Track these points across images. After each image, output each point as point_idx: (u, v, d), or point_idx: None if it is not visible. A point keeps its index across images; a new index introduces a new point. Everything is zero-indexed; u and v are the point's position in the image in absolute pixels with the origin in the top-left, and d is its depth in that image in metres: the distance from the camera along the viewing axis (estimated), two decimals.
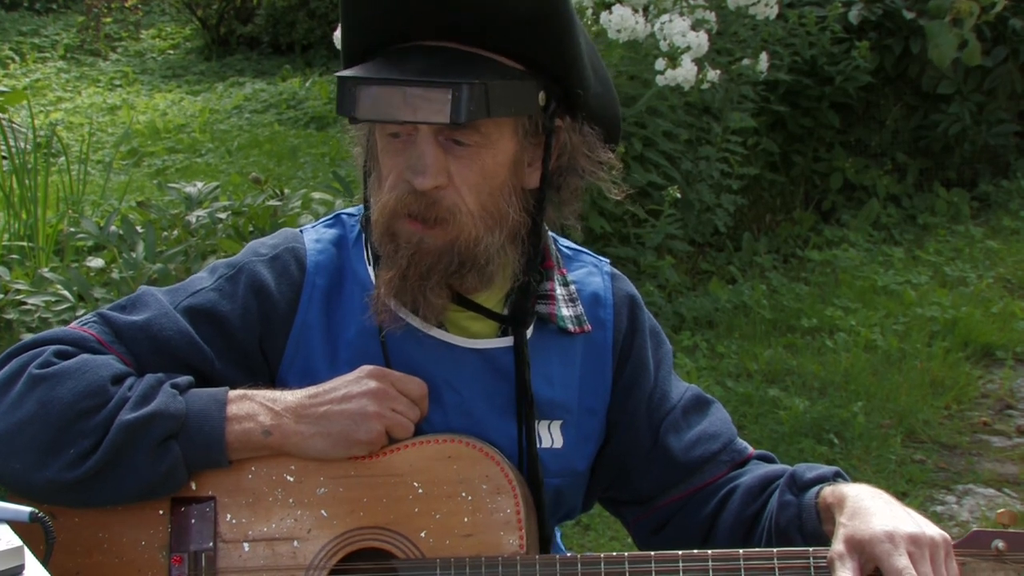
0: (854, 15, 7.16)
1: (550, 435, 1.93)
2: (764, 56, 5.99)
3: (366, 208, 1.91)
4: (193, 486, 1.81)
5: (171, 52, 13.12)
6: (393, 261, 1.81)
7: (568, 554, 1.93)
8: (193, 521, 1.81)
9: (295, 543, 1.80)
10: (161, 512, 1.81)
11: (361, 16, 1.80)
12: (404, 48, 1.79)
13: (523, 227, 1.85)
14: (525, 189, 1.84)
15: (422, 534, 1.79)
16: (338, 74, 1.75)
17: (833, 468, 1.92)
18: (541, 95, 1.79)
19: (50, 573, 1.49)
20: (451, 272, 1.80)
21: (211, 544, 1.80)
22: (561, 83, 1.81)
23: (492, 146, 1.77)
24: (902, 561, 1.66)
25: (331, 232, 1.97)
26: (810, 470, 1.91)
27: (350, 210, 2.00)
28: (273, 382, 1.89)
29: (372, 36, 1.80)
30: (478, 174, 1.77)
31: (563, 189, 1.90)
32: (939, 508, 4.30)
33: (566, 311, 1.95)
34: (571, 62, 1.79)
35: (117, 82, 11.81)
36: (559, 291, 1.96)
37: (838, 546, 1.72)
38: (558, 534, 2.12)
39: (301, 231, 1.99)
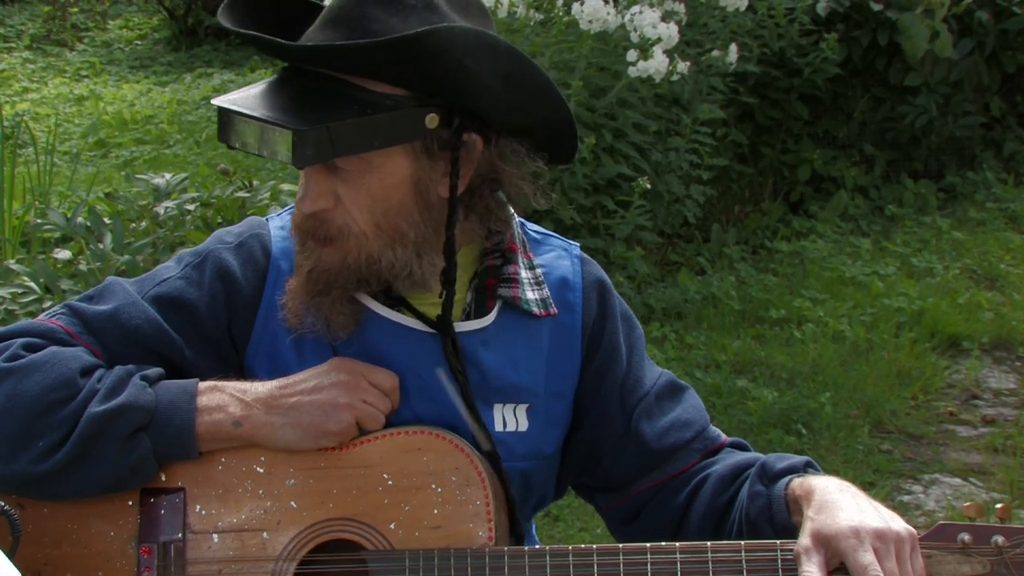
0: (822, 7, 7.19)
1: (515, 419, 1.93)
2: (733, 48, 6.01)
3: None
4: (163, 477, 1.81)
5: (138, 42, 13.03)
6: (300, 271, 1.84)
7: (538, 546, 1.94)
8: (162, 512, 1.81)
9: (264, 534, 1.80)
10: (130, 503, 1.81)
11: (245, 39, 1.81)
12: (291, 70, 1.80)
13: (435, 240, 1.84)
14: (440, 200, 1.83)
15: (391, 526, 1.79)
16: (214, 100, 1.78)
17: (804, 458, 1.93)
18: (430, 118, 1.75)
19: (16, 566, 1.48)
20: (351, 288, 1.82)
21: (180, 535, 1.80)
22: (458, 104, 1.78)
23: (376, 171, 1.76)
24: (867, 557, 1.67)
25: None
26: (781, 460, 1.92)
27: None
28: (241, 368, 1.89)
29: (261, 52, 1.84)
30: (366, 196, 1.77)
31: (485, 199, 1.88)
32: (906, 498, 4.34)
33: (531, 294, 1.95)
34: (460, 87, 1.75)
35: (84, 72, 11.72)
36: (524, 274, 1.95)
37: (804, 540, 1.73)
38: (533, 526, 2.13)
39: (267, 219, 2.00)
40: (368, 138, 1.72)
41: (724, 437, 2.05)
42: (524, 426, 1.94)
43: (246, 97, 1.76)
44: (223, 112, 1.75)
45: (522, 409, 1.94)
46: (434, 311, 1.88)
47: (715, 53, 6.03)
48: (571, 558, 1.77)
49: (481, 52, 1.74)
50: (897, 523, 1.72)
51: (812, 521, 1.74)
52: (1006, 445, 4.71)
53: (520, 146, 1.86)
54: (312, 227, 1.80)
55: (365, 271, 1.80)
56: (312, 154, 1.68)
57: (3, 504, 1.65)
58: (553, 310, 1.96)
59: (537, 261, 2.00)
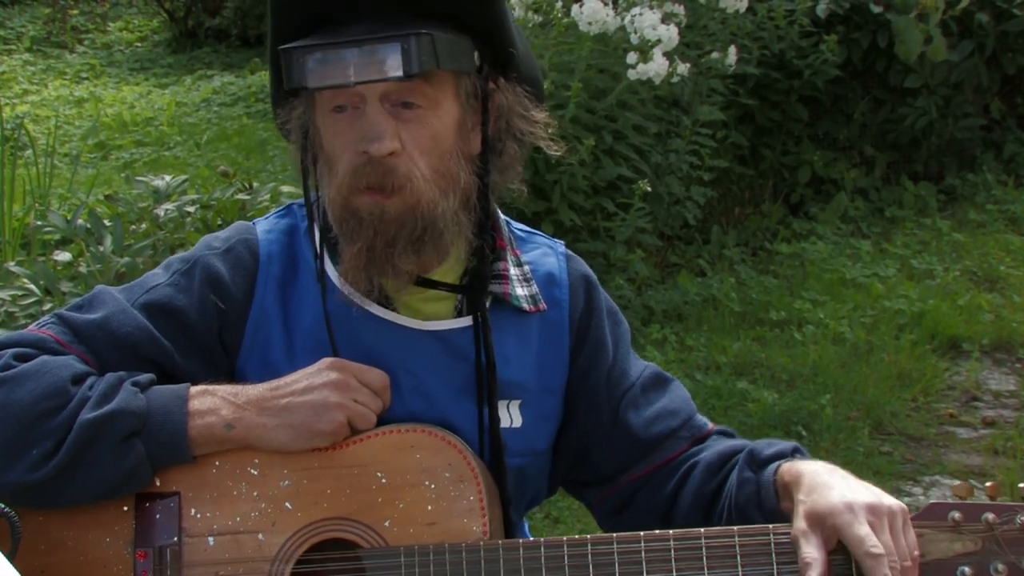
0: (822, 9, 7.18)
1: (509, 415, 1.94)
2: (733, 49, 6.01)
3: (307, 201, 1.92)
4: (157, 482, 1.81)
5: (139, 45, 13.06)
6: (358, 235, 1.81)
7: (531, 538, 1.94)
8: (158, 516, 1.81)
9: (260, 536, 1.80)
10: (125, 508, 1.81)
11: None
12: (338, 19, 1.80)
13: (473, 191, 1.87)
14: (470, 154, 1.87)
15: (386, 523, 1.80)
16: (282, 47, 1.77)
17: (792, 444, 1.94)
18: (476, 55, 1.83)
19: (17, 569, 1.48)
20: (415, 238, 1.81)
21: (176, 539, 1.80)
22: (492, 45, 1.84)
23: (438, 107, 1.80)
24: (863, 530, 1.67)
25: (283, 222, 1.99)
26: (769, 446, 1.93)
27: (302, 200, 2.00)
28: (233, 373, 1.89)
29: (302, 11, 1.81)
30: (428, 138, 1.79)
31: (504, 153, 1.93)
32: (906, 499, 4.33)
33: (520, 290, 1.96)
34: (501, 21, 1.83)
35: (84, 75, 11.75)
36: (513, 271, 1.97)
37: (799, 523, 1.73)
38: (526, 525, 2.13)
39: (254, 223, 2.00)
40: (452, 56, 1.77)
41: (711, 425, 2.06)
42: (518, 422, 1.95)
43: (317, 40, 1.76)
44: (300, 52, 1.74)
45: (515, 405, 1.95)
46: (451, 279, 1.92)
47: (715, 55, 6.03)
48: (565, 549, 1.77)
49: None
50: (888, 499, 1.73)
51: (804, 503, 1.74)
52: (1006, 447, 4.71)
53: (529, 92, 1.92)
54: (377, 178, 1.78)
55: (427, 219, 1.80)
56: (425, 60, 1.71)
57: (3, 506, 1.65)
58: (542, 306, 1.98)
59: (524, 258, 2.01)
